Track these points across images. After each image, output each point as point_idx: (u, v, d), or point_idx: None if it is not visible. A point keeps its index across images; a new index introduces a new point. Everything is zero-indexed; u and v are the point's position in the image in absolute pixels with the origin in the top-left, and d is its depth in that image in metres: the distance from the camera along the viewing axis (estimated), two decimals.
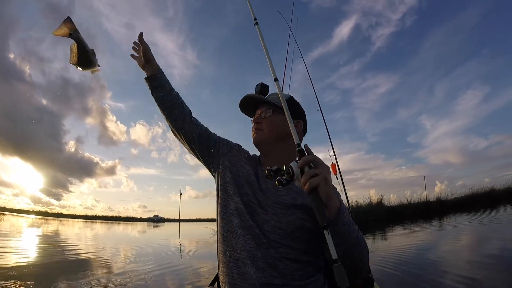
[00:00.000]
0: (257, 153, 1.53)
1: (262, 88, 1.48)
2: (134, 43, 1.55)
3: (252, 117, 1.54)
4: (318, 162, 1.00)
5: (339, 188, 3.30)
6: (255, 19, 1.43)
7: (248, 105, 1.53)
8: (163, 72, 1.54)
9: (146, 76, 1.51)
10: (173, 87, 1.55)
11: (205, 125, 1.55)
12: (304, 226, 1.23)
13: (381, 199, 19.69)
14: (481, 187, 20.30)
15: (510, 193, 19.02)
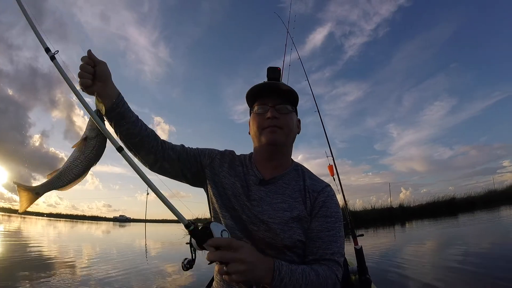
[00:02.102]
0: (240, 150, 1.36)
1: (277, 74, 1.29)
2: (85, 62, 1.08)
3: (253, 107, 1.30)
4: (229, 258, 0.89)
5: (336, 189, 3.27)
6: (47, 50, 1.06)
7: (259, 93, 1.27)
8: (123, 96, 1.18)
9: (105, 107, 1.10)
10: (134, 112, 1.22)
11: (178, 142, 1.35)
12: (300, 240, 1.16)
13: (346, 204, 20.05)
14: (443, 195, 21.20)
15: (470, 202, 19.99)
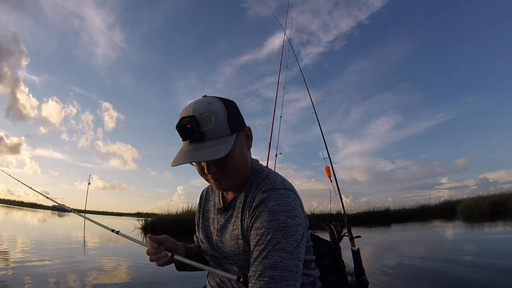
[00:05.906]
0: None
1: (195, 125, 0.92)
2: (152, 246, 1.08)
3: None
4: None
5: (333, 191, 3.29)
6: None
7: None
8: (189, 247, 1.28)
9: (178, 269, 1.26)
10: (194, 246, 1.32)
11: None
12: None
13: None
14: (378, 206, 22.83)
15: (403, 213, 21.55)
